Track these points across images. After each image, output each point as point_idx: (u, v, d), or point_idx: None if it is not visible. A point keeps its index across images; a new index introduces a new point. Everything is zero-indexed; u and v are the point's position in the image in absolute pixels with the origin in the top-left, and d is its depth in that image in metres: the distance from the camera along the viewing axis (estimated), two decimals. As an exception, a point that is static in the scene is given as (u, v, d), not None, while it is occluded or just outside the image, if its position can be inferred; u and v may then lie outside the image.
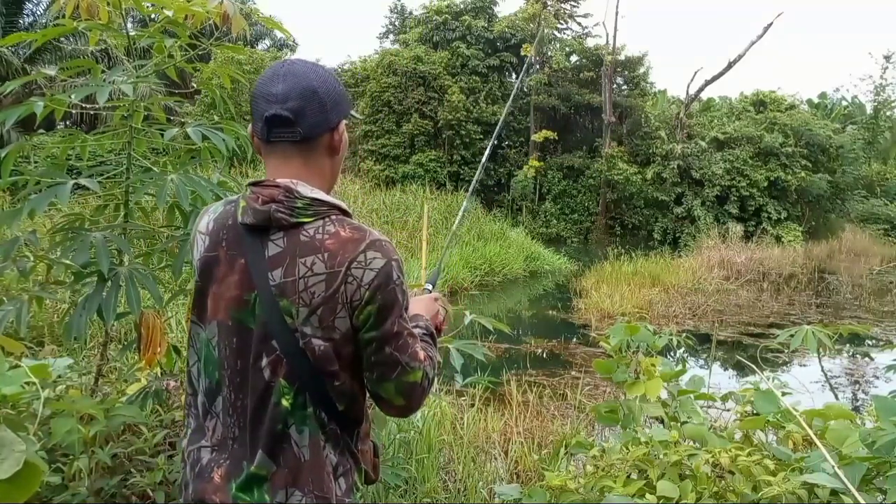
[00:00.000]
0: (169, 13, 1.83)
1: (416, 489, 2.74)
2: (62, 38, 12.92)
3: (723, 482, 1.74)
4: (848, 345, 7.62)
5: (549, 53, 20.23)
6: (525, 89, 21.01)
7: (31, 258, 1.86)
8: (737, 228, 16.34)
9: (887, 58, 22.77)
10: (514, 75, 21.70)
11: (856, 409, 4.90)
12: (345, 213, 1.01)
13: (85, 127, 10.73)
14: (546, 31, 19.67)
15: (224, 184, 1.97)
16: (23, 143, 2.07)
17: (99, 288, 1.72)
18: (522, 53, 19.51)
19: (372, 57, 21.01)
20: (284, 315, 0.95)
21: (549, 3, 19.63)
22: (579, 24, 21.20)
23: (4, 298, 1.84)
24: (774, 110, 19.65)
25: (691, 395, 2.31)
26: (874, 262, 15.22)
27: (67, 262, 1.82)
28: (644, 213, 18.65)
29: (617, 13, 19.83)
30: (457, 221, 1.99)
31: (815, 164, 18.56)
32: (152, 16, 2.12)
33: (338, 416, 1.00)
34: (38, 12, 15.01)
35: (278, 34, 19.96)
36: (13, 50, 12.40)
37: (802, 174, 17.91)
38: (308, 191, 0.98)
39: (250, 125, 1.05)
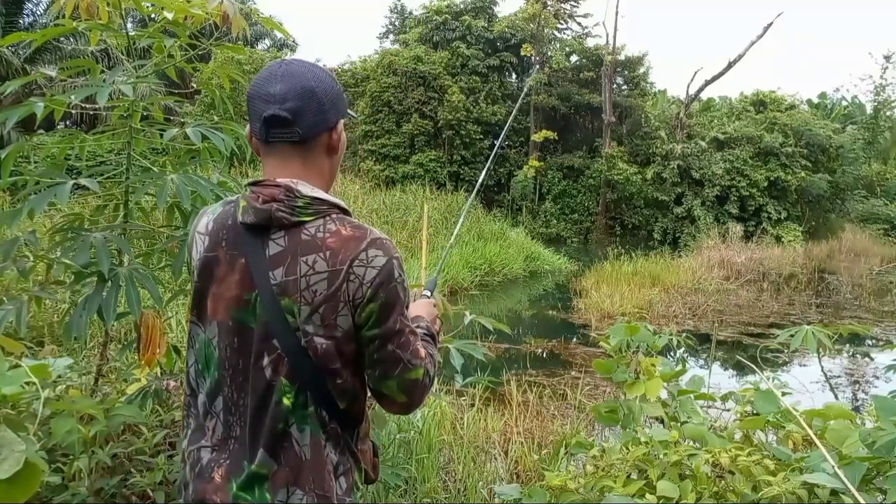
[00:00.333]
0: (169, 15, 1.83)
1: (416, 489, 2.74)
2: (62, 38, 12.92)
3: (723, 482, 1.74)
4: (848, 345, 7.62)
5: (549, 53, 20.23)
6: (525, 89, 21.01)
7: (31, 258, 1.86)
8: (737, 228, 16.33)
9: (887, 58, 22.77)
10: (514, 75, 21.72)
11: (856, 409, 4.89)
12: (345, 211, 1.02)
13: (85, 127, 10.73)
14: (546, 31, 19.68)
15: (224, 184, 1.97)
16: (23, 143, 2.07)
17: (99, 288, 1.72)
18: (522, 53, 19.52)
19: (372, 57, 21.02)
20: (286, 314, 0.95)
21: (548, 3, 19.62)
22: (579, 24, 21.21)
23: (4, 298, 1.84)
24: (774, 110, 19.66)
25: (691, 395, 2.31)
26: (874, 262, 15.22)
27: (67, 262, 1.82)
28: (644, 213, 18.65)
29: (617, 13, 19.86)
30: (457, 229, 1.99)
31: (815, 164, 18.56)
32: (152, 16, 2.12)
33: (339, 415, 1.00)
34: (38, 12, 15.02)
35: (278, 34, 19.96)
36: (13, 50, 12.40)
37: (802, 174, 17.91)
38: (308, 190, 0.98)
39: (248, 125, 1.05)
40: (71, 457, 1.85)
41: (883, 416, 1.59)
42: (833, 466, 1.47)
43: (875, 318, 9.60)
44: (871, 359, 7.22)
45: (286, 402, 0.96)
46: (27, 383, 1.49)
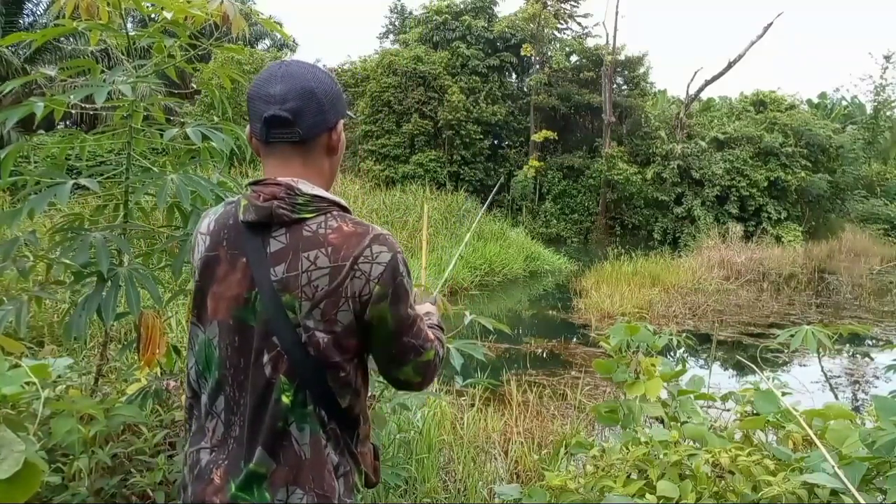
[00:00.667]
0: (168, 14, 1.83)
1: (416, 489, 2.74)
2: (62, 38, 12.92)
3: (723, 482, 1.74)
4: (848, 345, 7.62)
5: (549, 53, 20.23)
6: (525, 89, 21.01)
7: (31, 258, 1.86)
8: (737, 228, 16.34)
9: (887, 58, 22.77)
10: (514, 75, 21.72)
11: (856, 409, 4.89)
12: (345, 209, 1.03)
13: (84, 127, 10.73)
14: (546, 31, 19.67)
15: (224, 184, 1.97)
16: (22, 143, 2.07)
17: (98, 288, 1.72)
18: (522, 53, 19.52)
19: (372, 57, 21.02)
20: (287, 310, 0.95)
21: (548, 3, 19.62)
22: (579, 24, 21.23)
23: (4, 298, 1.84)
24: (774, 110, 19.66)
25: (691, 395, 2.31)
26: (874, 262, 15.22)
27: (67, 262, 1.82)
28: (644, 213, 18.66)
29: (617, 13, 19.86)
30: (466, 237, 2.00)
31: (815, 164, 18.56)
32: (152, 15, 2.12)
33: (338, 414, 1.00)
34: (38, 12, 15.02)
35: (278, 34, 19.95)
36: (13, 50, 12.40)
37: (802, 174, 17.91)
38: (309, 188, 0.99)
39: (248, 126, 1.05)
40: (71, 457, 1.85)
41: (883, 416, 1.59)
42: (833, 466, 1.47)
43: (875, 318, 9.60)
44: (871, 359, 7.22)
45: (285, 399, 0.96)
46: (27, 383, 1.49)
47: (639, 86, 20.33)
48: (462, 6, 20.54)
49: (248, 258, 0.98)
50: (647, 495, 1.70)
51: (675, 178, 18.06)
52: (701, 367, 6.30)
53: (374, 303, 0.97)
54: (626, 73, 20.23)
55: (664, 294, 10.21)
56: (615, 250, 13.84)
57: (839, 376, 6.59)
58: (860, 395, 5.92)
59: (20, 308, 1.71)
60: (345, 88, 19.80)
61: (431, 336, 1.07)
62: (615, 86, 19.51)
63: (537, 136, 19.17)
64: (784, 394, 2.08)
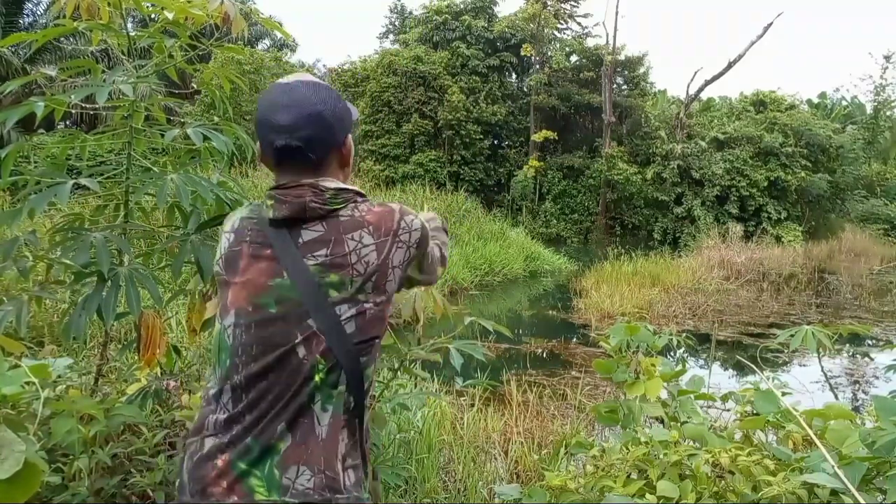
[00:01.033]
0: (169, 14, 1.83)
1: (416, 489, 2.74)
2: (62, 38, 12.92)
3: (723, 482, 1.74)
4: (848, 345, 7.63)
5: (549, 53, 20.23)
6: (525, 89, 21.01)
7: (31, 258, 1.85)
8: (737, 228, 16.34)
9: (887, 58, 22.77)
10: (514, 75, 21.72)
11: (856, 409, 4.90)
12: (363, 195, 1.10)
13: (85, 127, 10.73)
14: (546, 31, 19.67)
15: (224, 184, 1.97)
16: (23, 142, 2.07)
17: (98, 288, 1.72)
18: (522, 53, 19.52)
19: (372, 57, 21.02)
20: (330, 289, 0.99)
21: (548, 2, 19.62)
22: (579, 23, 21.23)
23: (4, 298, 1.84)
24: (774, 110, 19.66)
25: (691, 395, 2.31)
26: (874, 262, 15.23)
27: (67, 262, 1.82)
28: (644, 213, 18.66)
29: (617, 13, 19.84)
30: None
31: (815, 164, 18.56)
32: (152, 15, 2.12)
33: (359, 400, 1.02)
34: (38, 12, 15.02)
35: (278, 34, 19.95)
36: (13, 50, 12.39)
37: (802, 174, 17.91)
38: (332, 183, 1.05)
39: (257, 144, 1.09)
40: (71, 457, 1.85)
41: (883, 416, 1.59)
42: (833, 466, 1.47)
43: (875, 318, 9.60)
44: (871, 359, 7.22)
45: (317, 378, 0.98)
46: (27, 383, 1.49)
47: (639, 86, 20.33)
48: (462, 6, 20.54)
49: (273, 250, 1.02)
50: (647, 495, 1.70)
51: (675, 178, 18.06)
52: (701, 367, 6.30)
53: (413, 260, 1.11)
54: (626, 72, 20.23)
55: (664, 294, 10.21)
56: (615, 250, 13.83)
57: (839, 376, 6.59)
58: (860, 395, 5.92)
59: (20, 308, 1.71)
60: (345, 88, 19.82)
61: (438, 254, 1.25)
62: (615, 86, 19.51)
63: (537, 136, 19.16)
64: (784, 394, 2.08)
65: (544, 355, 7.02)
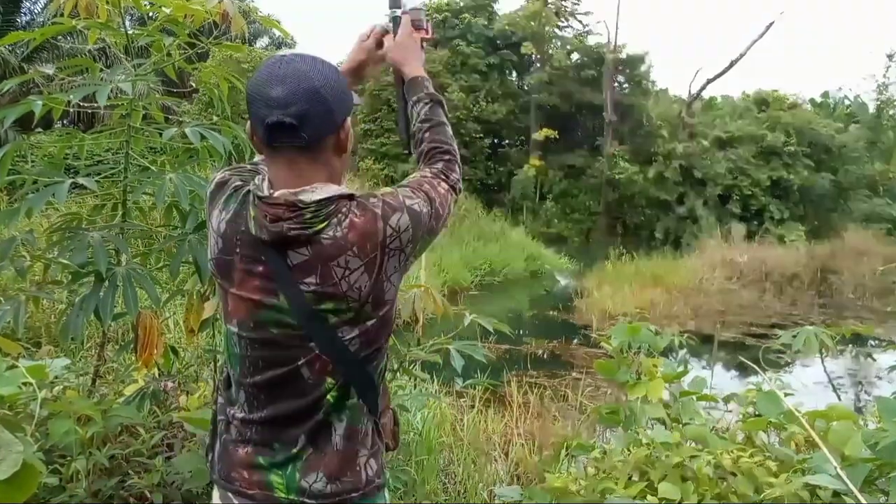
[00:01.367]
0: (167, 11, 1.82)
1: (416, 491, 2.73)
2: (59, 37, 12.91)
3: (725, 484, 1.73)
4: (851, 345, 7.60)
5: (550, 51, 20.20)
6: (526, 87, 20.99)
7: (28, 258, 1.85)
8: (739, 228, 16.30)
9: (890, 56, 22.71)
10: (514, 73, 21.69)
11: (858, 410, 4.88)
12: (348, 196, 0.98)
13: (82, 126, 10.73)
14: (547, 28, 19.65)
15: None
16: (20, 141, 2.07)
17: (96, 288, 1.71)
18: (523, 51, 19.50)
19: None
20: (328, 314, 0.96)
21: (549, 0, 19.61)
22: (580, 21, 21.20)
23: (1, 298, 1.84)
24: (777, 109, 19.62)
25: (693, 397, 2.30)
26: (877, 262, 15.13)
27: (65, 261, 1.81)
28: (646, 212, 18.63)
29: (618, 11, 19.82)
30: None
31: (817, 164, 18.53)
32: (150, 14, 2.11)
33: (372, 400, 1.03)
34: (36, 10, 15.02)
35: (277, 32, 19.97)
36: (10, 48, 12.39)
37: (805, 173, 17.88)
38: (310, 195, 0.94)
39: (248, 124, 1.00)
40: (68, 458, 1.84)
41: (886, 418, 1.58)
42: (835, 468, 1.46)
43: (878, 318, 9.58)
44: (874, 359, 7.20)
45: (329, 397, 0.98)
46: (24, 384, 1.47)
47: (640, 84, 20.30)
48: (462, 4, 20.52)
49: (266, 268, 0.96)
50: (649, 497, 1.69)
51: (677, 178, 18.04)
52: (703, 368, 6.28)
53: (416, 247, 1.01)
54: (628, 71, 20.20)
55: (666, 294, 10.19)
56: (617, 250, 13.81)
57: (842, 377, 6.57)
58: (863, 397, 5.91)
59: (17, 308, 1.70)
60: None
61: (446, 189, 1.10)
62: (616, 84, 19.49)
63: (538, 135, 19.14)
64: (786, 395, 2.06)
65: (545, 356, 7.01)
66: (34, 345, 3.18)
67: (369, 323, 0.97)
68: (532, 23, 19.42)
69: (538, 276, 13.31)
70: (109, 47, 2.10)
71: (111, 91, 1.76)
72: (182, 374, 2.52)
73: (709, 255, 13.63)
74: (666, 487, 1.69)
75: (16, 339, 1.71)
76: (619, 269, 11.73)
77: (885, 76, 22.85)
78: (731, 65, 18.74)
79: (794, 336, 2.42)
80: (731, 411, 2.73)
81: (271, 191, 0.96)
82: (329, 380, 0.98)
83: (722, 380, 5.73)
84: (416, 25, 1.26)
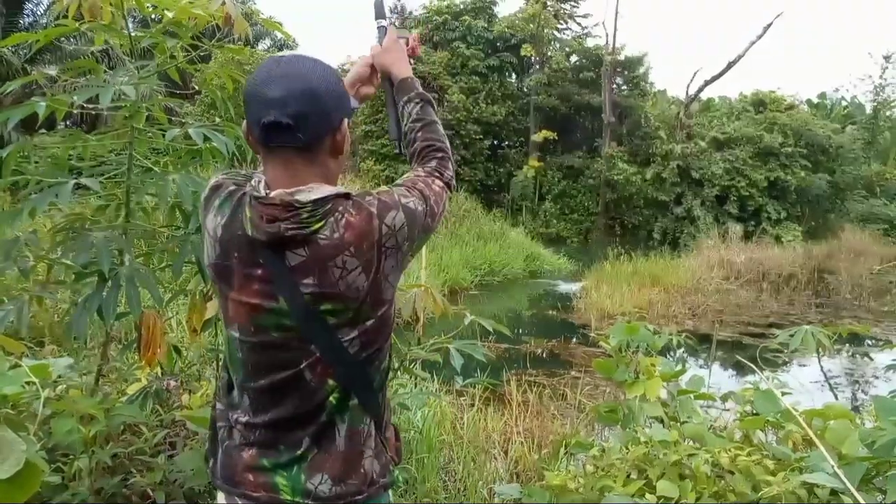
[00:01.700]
0: (170, 14, 1.83)
1: (416, 489, 2.74)
2: (62, 38, 12.90)
3: (722, 482, 1.74)
4: (847, 345, 7.63)
5: (549, 53, 20.23)
6: (525, 89, 21.00)
7: (32, 258, 1.86)
8: (736, 228, 16.34)
9: (887, 58, 22.79)
10: (514, 75, 21.70)
11: (855, 409, 4.90)
12: (344, 195, 0.98)
13: (85, 127, 10.71)
14: (545, 31, 19.67)
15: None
16: (24, 142, 2.07)
17: (99, 288, 1.72)
18: (522, 53, 19.52)
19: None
20: (327, 316, 0.95)
21: (548, 3, 19.63)
22: (579, 24, 21.24)
23: (5, 298, 1.84)
24: (774, 110, 19.66)
25: (691, 395, 2.31)
26: (874, 262, 15.20)
27: (68, 262, 1.82)
28: (644, 213, 18.67)
29: (617, 13, 19.84)
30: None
31: (814, 164, 18.58)
32: (153, 16, 2.12)
33: (374, 403, 1.04)
34: (39, 12, 15.00)
35: (278, 34, 19.96)
36: (13, 50, 12.37)
37: (802, 174, 17.92)
38: (306, 195, 0.94)
39: (244, 123, 0.99)
40: (71, 457, 1.85)
41: (882, 416, 1.60)
42: (833, 466, 1.47)
43: (874, 317, 9.61)
44: (871, 359, 7.23)
45: (331, 399, 0.99)
46: (27, 383, 1.49)
47: (638, 86, 20.33)
48: (462, 6, 20.53)
49: (264, 271, 0.96)
50: (647, 495, 1.70)
51: (675, 179, 18.07)
52: (701, 367, 6.30)
53: (414, 244, 1.02)
54: (626, 73, 20.23)
55: (664, 294, 10.21)
56: (615, 250, 13.83)
57: (839, 376, 6.60)
58: (860, 395, 5.93)
59: (21, 308, 1.71)
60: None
61: (440, 187, 1.11)
62: (615, 86, 19.52)
63: (537, 137, 19.16)
64: (784, 394, 2.08)
65: (544, 355, 7.03)
66: (38, 344, 3.19)
67: (368, 323, 0.98)
68: (531, 25, 19.44)
69: (537, 276, 13.32)
70: (113, 49, 2.11)
71: (115, 93, 1.77)
72: (185, 373, 2.54)
73: (706, 255, 13.67)
74: (664, 485, 1.70)
75: (19, 339, 1.72)
76: (618, 269, 11.75)
77: (881, 77, 22.96)
78: (729, 66, 18.78)
79: (792, 335, 2.43)
80: (728, 410, 2.75)
81: (267, 191, 0.96)
82: (331, 382, 0.98)
83: (719, 379, 5.76)
84: (403, 39, 1.29)
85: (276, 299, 0.96)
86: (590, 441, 2.37)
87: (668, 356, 4.46)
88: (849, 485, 1.42)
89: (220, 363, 1.15)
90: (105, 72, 1.99)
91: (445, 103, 18.66)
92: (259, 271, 0.96)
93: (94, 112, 2.05)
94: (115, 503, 1.88)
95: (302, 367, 0.97)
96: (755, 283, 12.18)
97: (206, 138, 1.85)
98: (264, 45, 21.10)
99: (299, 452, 0.99)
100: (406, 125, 1.20)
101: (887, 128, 24.07)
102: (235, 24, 1.83)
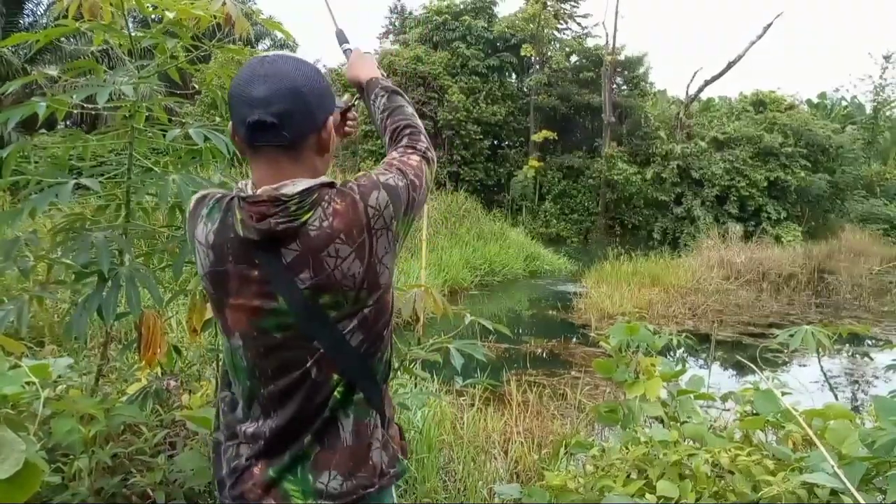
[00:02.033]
0: (171, 15, 1.83)
1: (416, 489, 2.74)
2: (62, 38, 12.90)
3: (722, 482, 1.74)
4: (847, 345, 7.63)
5: (549, 54, 20.23)
6: (525, 89, 21.01)
7: (32, 258, 1.86)
8: (736, 228, 16.34)
9: (887, 58, 22.80)
10: (514, 75, 21.71)
11: (855, 409, 4.90)
12: (328, 185, 0.98)
13: (85, 127, 10.71)
14: (545, 31, 19.67)
15: (225, 184, 1.97)
16: (24, 142, 2.07)
17: (99, 288, 1.72)
18: (522, 54, 19.52)
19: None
20: (327, 309, 0.96)
21: (548, 3, 19.63)
22: (579, 24, 21.23)
23: (5, 298, 1.84)
24: (774, 110, 19.67)
25: (691, 395, 2.32)
26: (873, 262, 15.21)
27: (68, 261, 1.82)
28: (644, 213, 18.67)
29: (617, 13, 19.83)
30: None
31: (814, 164, 18.58)
32: (153, 16, 2.12)
33: (378, 398, 1.04)
34: (39, 12, 15.00)
35: (279, 34, 19.94)
36: (13, 50, 12.37)
37: (802, 174, 17.92)
38: (291, 187, 0.94)
39: (230, 124, 0.99)
40: (71, 457, 1.85)
41: (882, 416, 1.60)
42: (833, 466, 1.48)
43: (874, 317, 9.60)
44: (871, 359, 7.23)
45: (337, 395, 0.99)
46: (27, 383, 1.48)
47: (638, 86, 20.33)
48: (462, 6, 20.53)
49: (261, 271, 0.96)
50: (647, 495, 1.70)
51: (675, 179, 18.07)
52: (700, 367, 6.30)
53: (403, 222, 1.02)
54: (626, 73, 20.24)
55: (664, 294, 10.21)
56: (615, 250, 13.84)
57: (839, 376, 6.59)
58: (860, 395, 5.93)
59: (21, 308, 1.71)
60: (345, 89, 19.80)
61: (417, 160, 1.10)
62: (615, 86, 19.52)
63: (537, 137, 19.16)
64: (784, 394, 2.08)
65: (544, 355, 7.02)
66: (38, 344, 3.19)
67: (366, 310, 0.98)
68: (531, 25, 19.44)
69: (537, 276, 13.32)
70: (113, 49, 2.11)
71: (115, 93, 1.77)
72: (185, 373, 2.54)
73: (706, 255, 13.67)
74: (664, 485, 1.70)
75: (19, 339, 1.73)
76: (618, 269, 11.75)
77: (881, 77, 22.96)
78: (729, 66, 18.78)
79: (792, 335, 2.43)
80: (728, 410, 2.75)
81: (254, 191, 0.96)
82: (335, 376, 0.99)
83: (719, 379, 5.76)
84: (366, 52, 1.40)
85: (276, 299, 0.96)
86: (590, 441, 2.37)
87: (667, 356, 4.46)
88: (849, 485, 1.42)
89: (220, 381, 1.12)
90: (105, 72, 1.99)
91: (445, 103, 18.66)
92: (255, 272, 0.96)
93: (94, 112, 2.05)
94: (115, 503, 1.88)
95: (308, 365, 0.97)
96: (755, 283, 12.18)
97: (206, 138, 1.85)
98: (264, 44, 21.09)
99: (302, 451, 0.99)
100: (377, 119, 1.23)
101: (887, 128, 24.08)
102: (236, 24, 1.83)
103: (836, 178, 18.86)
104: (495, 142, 20.64)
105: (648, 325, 2.43)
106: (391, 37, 24.10)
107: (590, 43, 20.70)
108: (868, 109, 24.64)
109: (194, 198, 1.06)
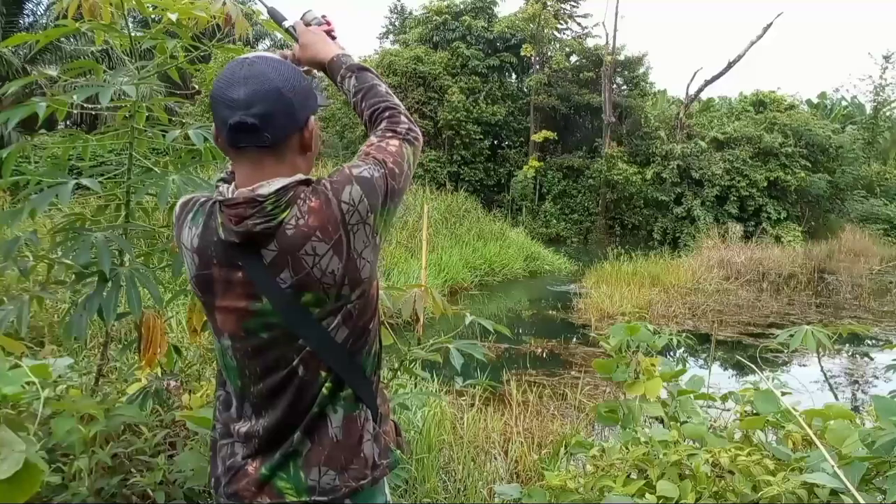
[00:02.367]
0: (172, 16, 1.83)
1: (416, 489, 2.74)
2: (62, 38, 12.91)
3: (722, 482, 1.75)
4: (847, 345, 7.63)
5: (549, 54, 20.23)
6: (525, 89, 21.01)
7: (32, 258, 1.86)
8: (736, 228, 16.34)
9: (887, 58, 22.79)
10: (514, 75, 21.72)
11: (855, 408, 4.90)
12: (304, 182, 0.98)
13: (85, 127, 10.73)
14: (545, 31, 19.67)
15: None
16: (24, 143, 2.07)
17: (99, 288, 1.72)
18: (522, 53, 19.52)
19: (372, 57, 21.00)
20: (310, 308, 0.96)
21: (548, 3, 19.63)
22: (579, 24, 21.22)
23: (5, 298, 1.84)
24: (774, 110, 19.67)
25: (691, 395, 2.32)
26: (874, 262, 15.21)
27: (68, 262, 1.82)
28: (644, 213, 18.67)
29: (617, 13, 19.83)
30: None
31: (814, 165, 18.58)
32: (153, 16, 2.12)
33: (367, 392, 1.04)
34: (39, 12, 15.01)
35: (279, 34, 19.92)
36: (13, 50, 12.38)
37: (802, 174, 17.92)
38: (267, 187, 0.95)
39: (213, 127, 1.01)
40: (71, 457, 1.85)
41: (882, 416, 1.60)
42: (833, 466, 1.48)
43: (874, 317, 9.60)
44: (871, 359, 7.23)
45: (324, 390, 1.00)
46: (27, 383, 1.48)
47: (638, 86, 20.34)
48: (462, 6, 20.54)
49: (244, 273, 0.97)
50: (647, 495, 1.70)
51: (675, 179, 18.08)
52: (701, 367, 6.30)
53: (382, 213, 1.00)
54: (626, 73, 20.24)
55: (664, 294, 10.22)
56: (615, 250, 13.84)
57: (839, 376, 6.59)
58: (860, 395, 5.93)
59: (21, 308, 1.71)
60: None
61: (397, 144, 1.07)
62: (615, 86, 19.52)
63: (537, 137, 19.16)
64: (784, 394, 2.08)
65: (544, 355, 7.02)
66: (38, 344, 3.19)
67: (349, 306, 0.98)
68: (531, 25, 19.44)
69: (537, 276, 13.32)
70: (113, 49, 2.11)
71: (115, 93, 1.77)
72: (185, 373, 2.54)
73: (706, 255, 13.67)
74: (664, 485, 1.70)
75: (19, 339, 1.72)
76: (618, 269, 11.75)
77: (881, 77, 22.94)
78: (729, 66, 18.78)
79: (792, 335, 2.43)
80: (728, 410, 2.75)
81: (234, 193, 0.97)
82: (322, 373, 1.00)
83: (719, 379, 5.75)
84: (316, 24, 1.24)
85: (260, 299, 0.97)
86: (590, 441, 2.37)
87: (667, 356, 4.46)
88: (849, 485, 1.42)
89: (216, 380, 1.13)
90: (105, 72, 1.99)
91: (445, 103, 18.66)
92: (239, 274, 0.97)
93: (94, 112, 2.05)
94: (114, 503, 1.88)
95: (295, 363, 0.98)
96: (755, 283, 12.18)
97: (205, 139, 1.85)
98: (264, 45, 21.09)
99: (292, 448, 0.99)
100: (350, 101, 1.18)
101: (887, 128, 24.07)
102: (236, 24, 1.83)
103: (836, 178, 18.86)
104: (495, 142, 20.65)
105: (648, 325, 2.43)
106: (391, 37, 24.13)
107: (590, 43, 20.73)
108: (868, 109, 24.63)
109: (179, 202, 1.07)
